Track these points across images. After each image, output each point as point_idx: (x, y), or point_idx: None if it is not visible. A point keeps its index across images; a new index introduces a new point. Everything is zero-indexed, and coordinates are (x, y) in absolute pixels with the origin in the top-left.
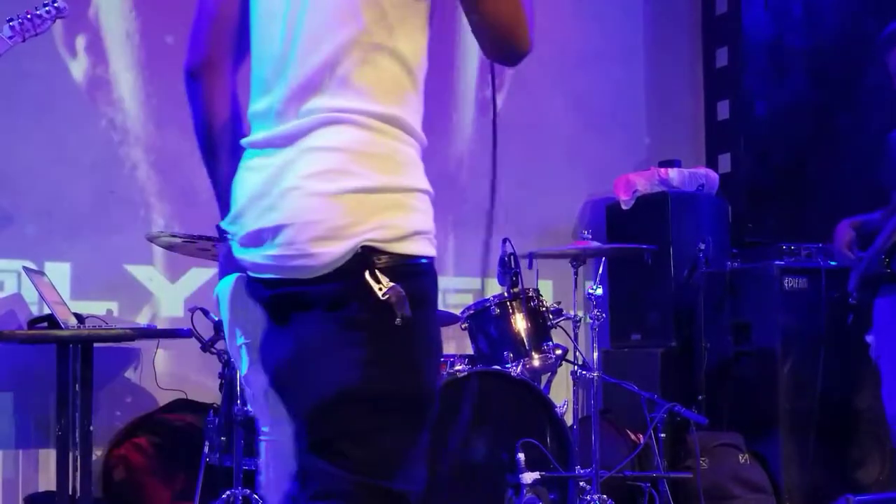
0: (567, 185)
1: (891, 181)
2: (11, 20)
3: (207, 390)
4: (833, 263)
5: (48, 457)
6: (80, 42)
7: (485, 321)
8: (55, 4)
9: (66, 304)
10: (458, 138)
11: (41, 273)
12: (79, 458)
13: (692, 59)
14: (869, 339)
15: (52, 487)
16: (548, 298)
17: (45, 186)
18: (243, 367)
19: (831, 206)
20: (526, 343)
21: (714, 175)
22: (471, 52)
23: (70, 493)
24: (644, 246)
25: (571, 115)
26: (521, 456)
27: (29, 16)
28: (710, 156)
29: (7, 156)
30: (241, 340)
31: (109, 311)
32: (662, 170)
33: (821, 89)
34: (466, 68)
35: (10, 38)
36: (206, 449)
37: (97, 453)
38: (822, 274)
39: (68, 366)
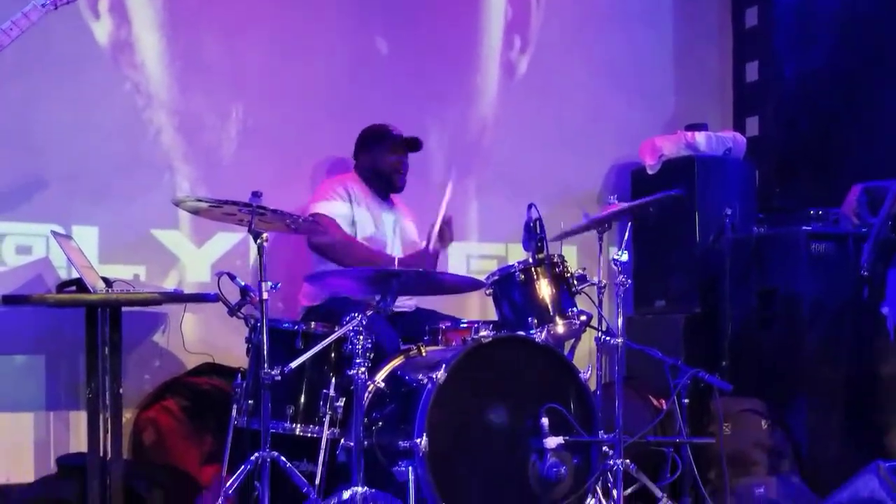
0: (592, 149)
1: None
2: None
3: (234, 354)
4: (864, 229)
5: (79, 419)
6: (104, 4)
7: (509, 287)
8: None
9: (94, 268)
10: (482, 102)
11: (69, 237)
12: (109, 420)
13: (721, 18)
14: (884, 310)
15: (84, 449)
16: (572, 264)
17: (70, 150)
18: None
19: (861, 171)
20: (550, 309)
21: (741, 139)
22: (495, 13)
23: (101, 454)
24: (674, 192)
25: (597, 78)
26: (545, 421)
27: None
28: (737, 119)
29: (32, 119)
30: None
31: (136, 276)
32: (689, 133)
33: (851, 51)
34: (490, 30)
35: (43, 5)
36: (234, 412)
37: (127, 416)
38: (849, 239)
39: (97, 329)
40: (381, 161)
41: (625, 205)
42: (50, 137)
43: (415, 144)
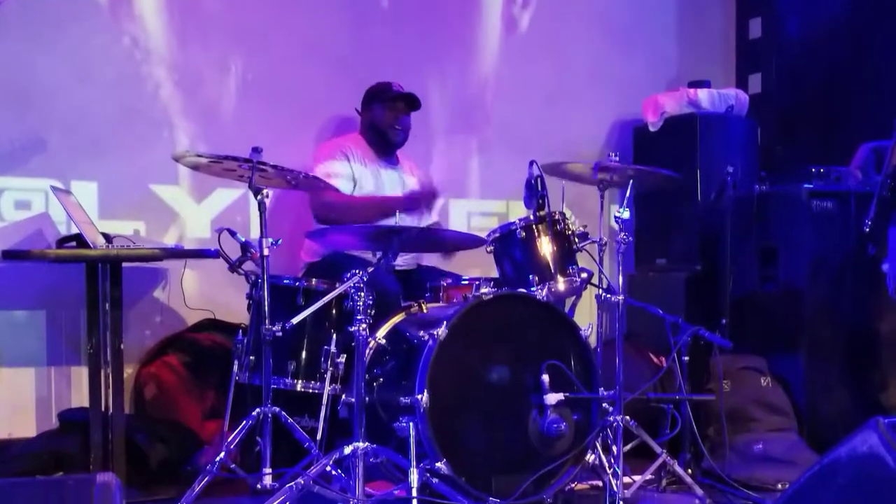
0: (594, 106)
1: None
2: None
3: (235, 310)
4: (867, 188)
5: (80, 374)
6: None
7: (510, 244)
8: None
9: (93, 223)
10: (484, 57)
11: (68, 192)
12: (110, 375)
13: None
14: (884, 267)
15: (85, 403)
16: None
17: (69, 104)
18: None
19: (864, 129)
20: (551, 266)
21: (744, 96)
22: None
23: (103, 409)
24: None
25: (599, 34)
26: (546, 378)
27: None
28: (740, 76)
29: (30, 72)
30: None
31: (136, 232)
32: (692, 90)
33: (856, 8)
34: None
35: None
36: (236, 368)
37: (128, 371)
38: (851, 197)
39: (98, 285)
40: (379, 118)
41: (620, 165)
42: (48, 92)
43: (411, 102)
